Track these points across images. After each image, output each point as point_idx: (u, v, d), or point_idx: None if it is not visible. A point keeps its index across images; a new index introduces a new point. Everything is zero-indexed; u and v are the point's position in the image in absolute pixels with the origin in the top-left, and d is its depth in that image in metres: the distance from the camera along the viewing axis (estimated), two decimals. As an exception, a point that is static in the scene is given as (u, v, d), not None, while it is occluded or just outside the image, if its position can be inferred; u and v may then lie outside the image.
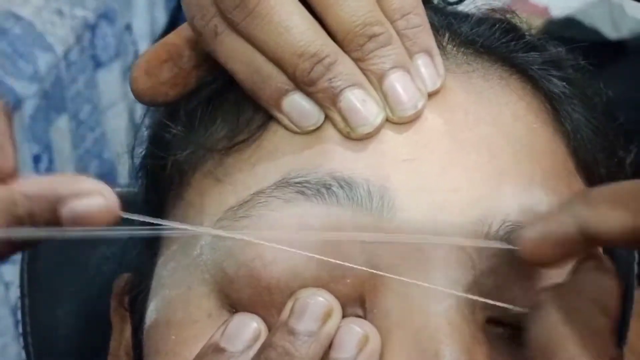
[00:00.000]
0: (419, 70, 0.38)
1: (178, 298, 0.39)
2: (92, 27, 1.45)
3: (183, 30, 0.42)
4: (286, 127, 0.38)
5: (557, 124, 0.42)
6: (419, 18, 0.38)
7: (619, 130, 0.47)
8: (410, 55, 0.38)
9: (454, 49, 0.42)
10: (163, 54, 0.41)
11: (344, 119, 0.37)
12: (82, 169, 1.45)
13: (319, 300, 0.36)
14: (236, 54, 0.38)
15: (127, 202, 0.48)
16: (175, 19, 1.73)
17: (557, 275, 0.37)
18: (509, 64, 0.43)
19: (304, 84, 0.37)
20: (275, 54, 0.37)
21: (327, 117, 0.38)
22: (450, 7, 0.45)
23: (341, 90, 0.37)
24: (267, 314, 0.37)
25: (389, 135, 0.38)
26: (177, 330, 0.39)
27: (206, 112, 0.42)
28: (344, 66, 0.37)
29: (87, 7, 1.45)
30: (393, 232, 0.36)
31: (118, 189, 0.63)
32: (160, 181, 0.44)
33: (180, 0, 0.40)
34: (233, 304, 0.38)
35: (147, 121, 0.46)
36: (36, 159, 1.33)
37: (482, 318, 0.37)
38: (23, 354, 0.65)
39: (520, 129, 0.40)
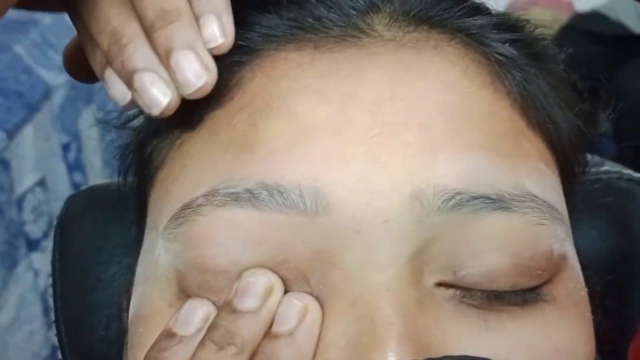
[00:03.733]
0: (203, 29, 0.39)
1: (145, 293, 0.41)
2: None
3: None
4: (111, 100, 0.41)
5: (499, 85, 0.42)
6: None
7: (577, 85, 0.47)
8: (198, 16, 0.40)
9: (386, 28, 0.42)
10: (77, 48, 0.45)
11: (140, 98, 0.39)
12: (108, 158, 1.46)
13: (260, 279, 0.37)
14: (84, 39, 0.42)
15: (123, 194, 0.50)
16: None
17: (500, 236, 0.38)
18: (448, 30, 0.43)
19: (107, 61, 0.40)
20: (91, 33, 0.40)
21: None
22: None
23: (134, 72, 0.39)
24: (216, 298, 0.38)
25: (315, 136, 0.38)
26: (144, 322, 0.41)
27: None
28: (136, 49, 0.39)
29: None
30: (331, 227, 0.37)
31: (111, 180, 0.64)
32: (144, 173, 0.46)
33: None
34: (188, 293, 0.39)
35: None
36: (65, 148, 1.35)
37: (431, 282, 0.38)
38: (54, 341, 0.66)
39: (452, 97, 0.40)
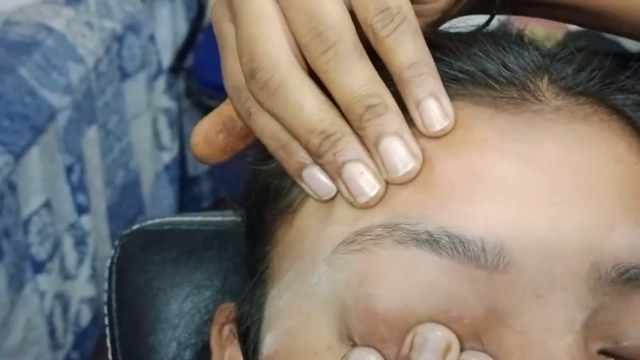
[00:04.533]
0: (426, 113, 0.40)
1: (298, 328, 0.41)
2: (119, 39, 1.47)
3: None
4: (309, 195, 0.42)
5: None
6: (426, 67, 0.41)
7: None
8: (418, 100, 0.40)
9: (553, 95, 0.43)
10: (219, 125, 0.46)
11: (347, 188, 0.40)
12: (109, 178, 1.47)
13: (438, 335, 0.37)
14: (266, 132, 0.42)
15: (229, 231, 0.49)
16: (195, 29, 1.75)
17: None
18: (608, 106, 0.44)
19: (315, 157, 0.41)
20: (293, 131, 0.41)
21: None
22: (550, 49, 0.46)
23: (344, 163, 0.40)
24: (384, 348, 0.38)
25: (495, 192, 0.40)
26: None
27: None
28: (348, 142, 0.40)
29: (114, 18, 1.46)
30: (508, 286, 0.38)
31: (221, 218, 0.64)
32: (269, 207, 0.46)
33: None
34: (351, 336, 0.39)
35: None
36: (69, 170, 1.35)
37: (594, 350, 0.39)
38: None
39: (623, 171, 0.42)
